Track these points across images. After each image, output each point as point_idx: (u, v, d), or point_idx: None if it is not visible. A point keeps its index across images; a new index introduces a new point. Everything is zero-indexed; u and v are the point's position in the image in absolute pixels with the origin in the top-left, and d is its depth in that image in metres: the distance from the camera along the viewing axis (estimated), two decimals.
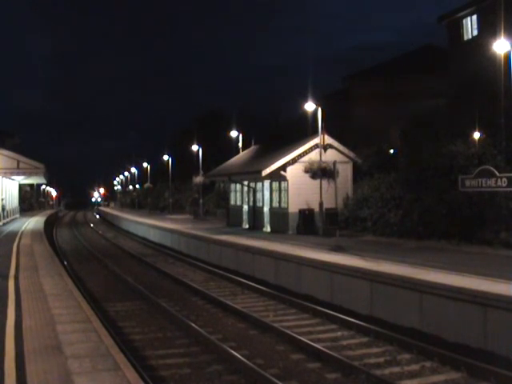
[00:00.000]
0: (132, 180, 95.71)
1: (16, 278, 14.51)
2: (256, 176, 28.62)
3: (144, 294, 16.84)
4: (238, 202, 33.61)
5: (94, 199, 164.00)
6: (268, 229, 28.90)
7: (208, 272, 22.02)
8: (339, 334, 12.55)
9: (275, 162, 27.35)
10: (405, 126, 25.42)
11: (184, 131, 76.49)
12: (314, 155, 25.98)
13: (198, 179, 44.05)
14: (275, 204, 28.59)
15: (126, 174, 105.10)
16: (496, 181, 17.77)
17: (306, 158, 26.15)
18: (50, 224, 50.40)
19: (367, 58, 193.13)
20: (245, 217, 32.34)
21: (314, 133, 27.40)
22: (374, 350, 11.27)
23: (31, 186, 77.98)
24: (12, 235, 30.19)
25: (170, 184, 60.71)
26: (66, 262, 24.19)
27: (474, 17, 32.88)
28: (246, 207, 32.28)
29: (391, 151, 27.76)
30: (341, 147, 27.57)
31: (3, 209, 41.61)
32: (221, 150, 53.65)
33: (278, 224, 27.88)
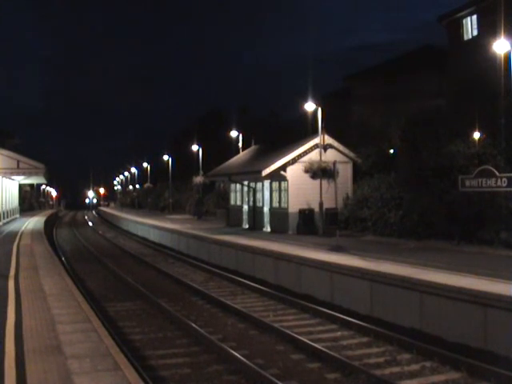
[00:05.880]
0: (132, 180, 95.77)
1: (16, 278, 14.52)
2: (256, 176, 28.62)
3: (144, 294, 16.84)
4: (238, 202, 33.61)
5: (88, 200, 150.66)
6: (268, 229, 28.90)
7: (208, 272, 22.02)
8: (339, 334, 12.55)
9: (275, 161, 27.35)
10: (405, 125, 25.36)
11: (184, 131, 76.47)
12: (314, 155, 25.99)
13: (198, 179, 44.05)
14: (275, 204, 28.59)
15: (126, 174, 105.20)
16: (496, 181, 17.79)
17: (305, 158, 26.15)
18: (49, 224, 50.40)
19: (367, 58, 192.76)
20: (245, 217, 32.33)
21: (314, 133, 27.41)
22: (374, 349, 11.27)
23: (31, 186, 77.94)
24: (12, 235, 30.19)
25: (170, 184, 60.72)
26: (65, 262, 24.20)
27: (474, 17, 32.88)
28: (245, 207, 32.28)
29: (391, 151, 27.72)
30: (341, 147, 27.58)
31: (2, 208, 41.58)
32: (221, 150, 53.58)
33: (278, 224, 27.88)
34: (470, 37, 33.16)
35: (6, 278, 14.54)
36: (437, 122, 24.77)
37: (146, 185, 74.59)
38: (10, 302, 11.22)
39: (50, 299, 11.44)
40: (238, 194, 33.92)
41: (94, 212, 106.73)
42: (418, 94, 38.32)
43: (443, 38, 36.78)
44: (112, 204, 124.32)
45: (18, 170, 36.66)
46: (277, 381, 9.07)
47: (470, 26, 33.18)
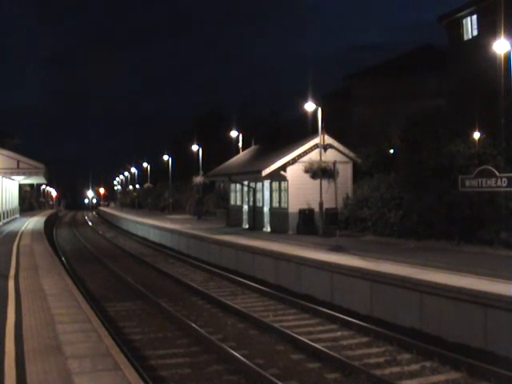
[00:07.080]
0: (132, 180, 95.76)
1: (16, 277, 14.51)
2: (256, 176, 28.62)
3: (144, 294, 16.84)
4: (238, 202, 33.61)
5: (87, 200, 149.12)
6: (268, 229, 28.90)
7: (208, 272, 22.02)
8: (339, 334, 12.55)
9: (275, 161, 27.35)
10: (405, 125, 25.36)
11: (184, 131, 76.49)
12: (314, 155, 25.99)
13: (198, 179, 44.06)
14: (275, 204, 28.59)
15: (126, 174, 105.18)
16: (496, 181, 17.79)
17: (306, 158, 26.15)
18: (49, 224, 50.40)
19: (367, 58, 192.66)
20: (245, 217, 32.32)
21: (313, 133, 27.40)
22: (374, 349, 11.27)
23: (31, 186, 77.91)
24: (12, 235, 30.19)
25: (170, 184, 60.72)
26: (65, 262, 24.19)
27: (474, 17, 32.87)
28: (245, 207, 32.27)
29: (391, 151, 27.73)
30: (341, 147, 27.58)
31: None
32: (221, 150, 53.60)
33: (278, 224, 27.88)
34: (470, 37, 33.15)
35: (6, 277, 14.54)
36: (437, 122, 24.75)
37: (146, 185, 74.59)
38: (10, 302, 11.22)
39: (50, 299, 11.43)
40: (238, 194, 33.92)
41: (94, 212, 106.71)
42: (417, 94, 38.33)
43: (443, 37, 36.78)
44: (112, 204, 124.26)
45: (18, 170, 36.64)
46: (277, 381, 9.07)
47: (470, 26, 33.17)
